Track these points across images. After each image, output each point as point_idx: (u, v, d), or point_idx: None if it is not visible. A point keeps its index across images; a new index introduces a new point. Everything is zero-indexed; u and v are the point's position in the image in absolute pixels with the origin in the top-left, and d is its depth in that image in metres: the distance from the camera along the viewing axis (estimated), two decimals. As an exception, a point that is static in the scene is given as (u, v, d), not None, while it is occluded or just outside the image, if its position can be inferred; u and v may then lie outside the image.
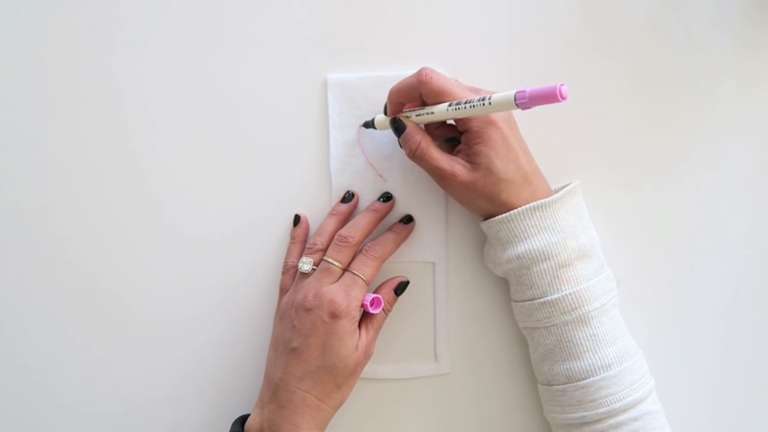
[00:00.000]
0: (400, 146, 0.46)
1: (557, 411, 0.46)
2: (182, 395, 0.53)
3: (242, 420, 0.47)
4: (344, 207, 0.50)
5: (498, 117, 0.43)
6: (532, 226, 0.44)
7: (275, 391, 0.45)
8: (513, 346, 0.52)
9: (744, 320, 0.53)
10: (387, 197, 0.50)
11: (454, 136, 0.47)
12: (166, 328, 0.52)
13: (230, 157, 0.51)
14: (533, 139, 0.46)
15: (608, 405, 0.43)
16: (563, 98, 0.34)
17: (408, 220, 0.50)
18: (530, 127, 0.46)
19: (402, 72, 0.49)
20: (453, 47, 0.50)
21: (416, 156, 0.45)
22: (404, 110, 0.46)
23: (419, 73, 0.44)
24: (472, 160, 0.44)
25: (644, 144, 0.51)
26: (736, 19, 0.50)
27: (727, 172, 0.52)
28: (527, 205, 0.44)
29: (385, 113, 0.47)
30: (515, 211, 0.44)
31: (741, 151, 0.51)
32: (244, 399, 0.52)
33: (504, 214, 0.44)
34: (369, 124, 0.49)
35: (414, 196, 0.51)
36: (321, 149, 0.51)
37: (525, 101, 0.36)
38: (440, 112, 0.43)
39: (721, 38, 0.50)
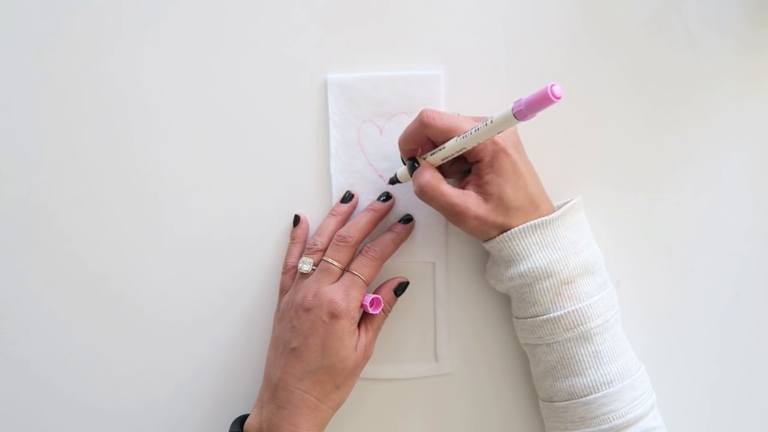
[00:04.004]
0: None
1: (559, 427, 0.46)
2: (181, 395, 0.53)
3: (241, 420, 0.47)
4: (344, 207, 0.50)
5: (506, 144, 0.43)
6: (534, 244, 0.44)
7: (274, 391, 0.45)
8: (513, 347, 0.52)
9: (744, 321, 0.52)
10: (387, 197, 0.50)
11: (468, 169, 0.47)
12: (165, 328, 0.52)
13: (230, 157, 0.51)
14: (532, 141, 0.46)
15: (610, 422, 0.43)
16: (556, 98, 0.34)
17: (408, 219, 0.50)
18: (530, 128, 0.46)
19: (402, 72, 0.49)
20: (452, 47, 0.50)
21: (426, 192, 0.44)
22: (418, 156, 0.46)
23: (420, 116, 0.44)
24: (483, 190, 0.44)
25: (644, 144, 0.51)
26: (736, 19, 0.50)
27: (727, 173, 0.51)
28: (528, 223, 0.44)
29: (404, 164, 0.47)
30: (516, 229, 0.44)
31: (741, 152, 0.51)
32: (243, 399, 0.52)
33: (505, 233, 0.44)
34: (393, 180, 0.49)
35: (414, 196, 0.50)
36: (321, 149, 0.51)
37: (522, 109, 0.36)
38: (450, 146, 0.43)
39: (721, 38, 0.50)
